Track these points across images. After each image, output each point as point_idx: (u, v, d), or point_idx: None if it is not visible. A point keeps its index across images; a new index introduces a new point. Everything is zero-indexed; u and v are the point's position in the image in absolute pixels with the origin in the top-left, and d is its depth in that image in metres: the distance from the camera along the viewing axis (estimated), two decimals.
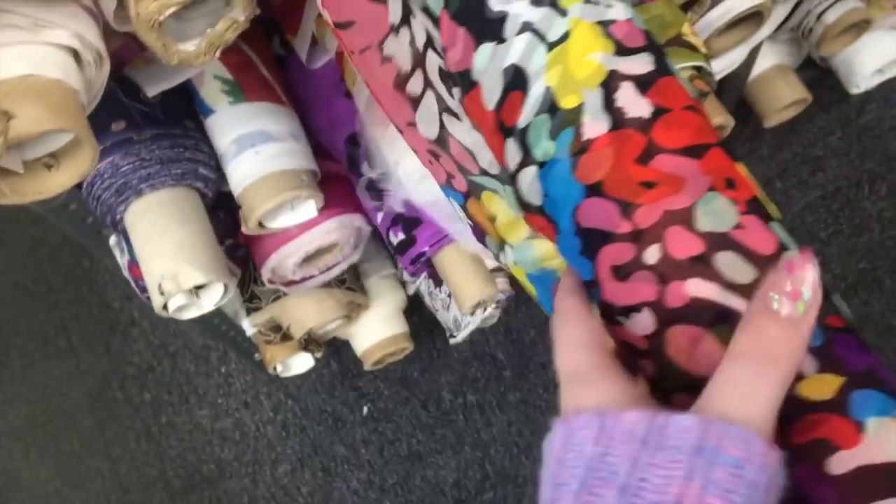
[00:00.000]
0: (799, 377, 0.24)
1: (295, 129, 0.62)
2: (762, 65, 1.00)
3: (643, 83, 0.29)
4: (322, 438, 1.15)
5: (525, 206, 0.31)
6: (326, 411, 1.16)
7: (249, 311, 0.90)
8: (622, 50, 0.29)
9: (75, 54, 0.40)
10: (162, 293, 0.57)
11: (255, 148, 0.59)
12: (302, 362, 1.00)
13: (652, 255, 0.26)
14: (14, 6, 0.36)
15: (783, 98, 0.99)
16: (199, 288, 0.60)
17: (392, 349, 0.96)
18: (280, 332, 0.92)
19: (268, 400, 1.18)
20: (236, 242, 0.71)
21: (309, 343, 0.91)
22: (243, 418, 1.18)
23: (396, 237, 0.66)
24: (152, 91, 0.52)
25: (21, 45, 0.37)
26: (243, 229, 0.61)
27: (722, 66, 0.77)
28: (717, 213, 0.26)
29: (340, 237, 0.68)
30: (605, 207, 0.28)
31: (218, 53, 0.43)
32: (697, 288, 0.25)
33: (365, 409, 1.16)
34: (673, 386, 0.26)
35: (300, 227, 0.65)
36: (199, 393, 1.20)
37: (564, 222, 0.29)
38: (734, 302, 0.25)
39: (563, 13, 0.30)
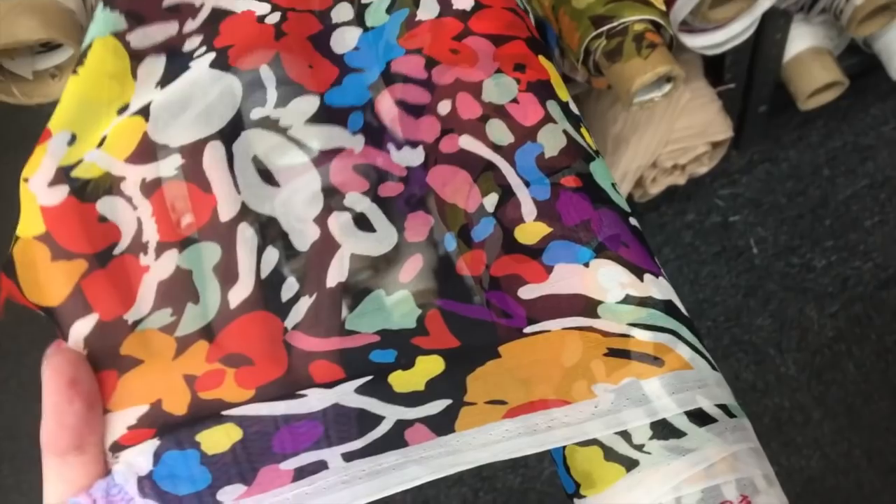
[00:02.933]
0: (520, 222, 0.29)
1: None
2: (797, 47, 1.00)
3: None
4: None
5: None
6: None
7: None
8: None
9: None
10: None
11: None
12: None
13: (444, 107, 0.32)
14: None
15: (817, 80, 1.00)
16: None
17: None
18: None
19: None
20: None
21: None
22: None
23: None
24: None
25: None
26: None
27: (726, 37, 0.79)
28: (501, 88, 0.32)
29: None
30: (416, 61, 0.33)
31: None
32: (467, 142, 0.31)
33: None
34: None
35: None
36: None
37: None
38: (494, 157, 0.31)
39: None
